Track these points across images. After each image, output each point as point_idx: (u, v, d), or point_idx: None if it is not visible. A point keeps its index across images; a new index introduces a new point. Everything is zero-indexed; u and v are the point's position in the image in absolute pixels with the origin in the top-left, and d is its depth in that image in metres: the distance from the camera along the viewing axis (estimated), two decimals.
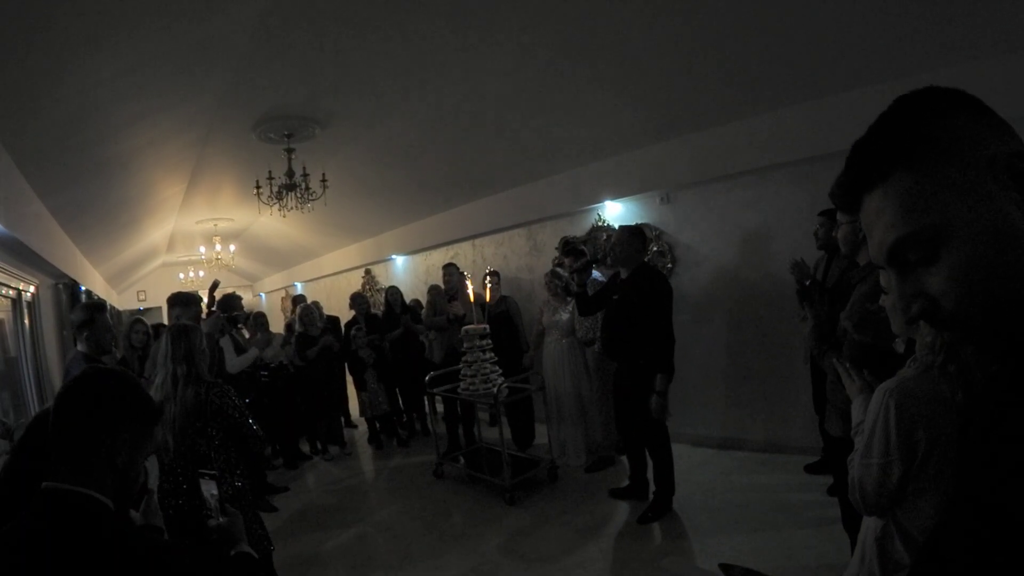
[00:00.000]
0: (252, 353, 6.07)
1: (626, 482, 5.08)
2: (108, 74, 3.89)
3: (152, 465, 5.06)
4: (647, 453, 4.79)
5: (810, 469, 4.93)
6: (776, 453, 5.48)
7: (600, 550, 4.20)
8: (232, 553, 1.76)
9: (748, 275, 5.70)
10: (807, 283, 4.24)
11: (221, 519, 1.85)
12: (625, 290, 4.61)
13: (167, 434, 2.94)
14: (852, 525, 2.90)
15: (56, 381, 6.22)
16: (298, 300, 9.14)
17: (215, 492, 1.92)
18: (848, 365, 1.95)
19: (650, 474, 4.78)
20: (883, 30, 3.91)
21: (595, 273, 5.81)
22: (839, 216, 2.98)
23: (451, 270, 7.02)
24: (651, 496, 4.69)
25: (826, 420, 3.12)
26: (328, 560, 4.47)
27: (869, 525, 1.70)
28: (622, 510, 4.76)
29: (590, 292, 5.10)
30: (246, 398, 3.20)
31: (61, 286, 7.56)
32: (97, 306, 4.22)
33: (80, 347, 4.03)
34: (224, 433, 3.06)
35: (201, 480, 1.95)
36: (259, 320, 7.65)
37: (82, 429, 1.41)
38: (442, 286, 7.27)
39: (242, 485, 3.11)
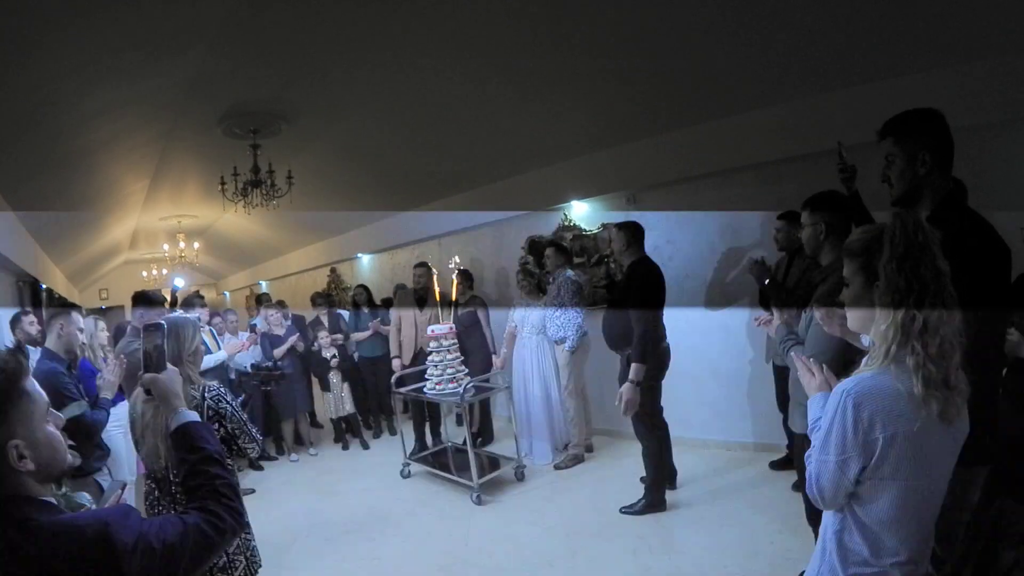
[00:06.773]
0: (220, 355, 5.99)
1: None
2: (73, 63, 3.80)
3: (116, 465, 4.94)
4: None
5: (775, 466, 5.03)
6: (742, 450, 5.58)
7: (568, 548, 4.21)
8: (175, 427, 1.67)
9: (713, 275, 5.77)
10: (767, 282, 4.29)
11: (159, 373, 1.75)
12: (621, 284, 4.69)
13: (158, 441, 2.80)
14: (815, 520, 2.95)
15: None
16: (263, 299, 9.02)
17: (159, 343, 1.81)
18: (809, 359, 1.97)
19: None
20: (847, 37, 3.98)
21: (568, 272, 5.84)
22: (803, 218, 3.01)
23: (421, 270, 6.92)
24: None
25: (789, 417, 3.16)
26: (294, 563, 4.41)
27: (828, 519, 1.73)
28: (590, 508, 4.80)
29: (561, 292, 5.33)
30: (238, 397, 3.09)
31: (22, 284, 7.38)
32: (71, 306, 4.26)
33: (49, 343, 3.94)
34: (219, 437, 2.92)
35: (145, 332, 1.81)
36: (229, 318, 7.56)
37: None
38: (410, 285, 7.19)
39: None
